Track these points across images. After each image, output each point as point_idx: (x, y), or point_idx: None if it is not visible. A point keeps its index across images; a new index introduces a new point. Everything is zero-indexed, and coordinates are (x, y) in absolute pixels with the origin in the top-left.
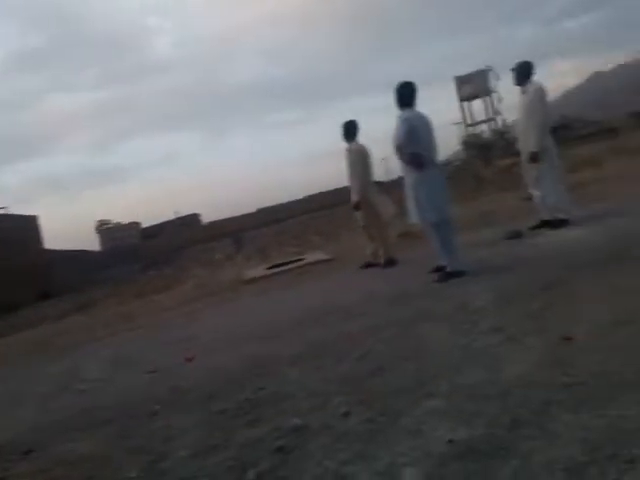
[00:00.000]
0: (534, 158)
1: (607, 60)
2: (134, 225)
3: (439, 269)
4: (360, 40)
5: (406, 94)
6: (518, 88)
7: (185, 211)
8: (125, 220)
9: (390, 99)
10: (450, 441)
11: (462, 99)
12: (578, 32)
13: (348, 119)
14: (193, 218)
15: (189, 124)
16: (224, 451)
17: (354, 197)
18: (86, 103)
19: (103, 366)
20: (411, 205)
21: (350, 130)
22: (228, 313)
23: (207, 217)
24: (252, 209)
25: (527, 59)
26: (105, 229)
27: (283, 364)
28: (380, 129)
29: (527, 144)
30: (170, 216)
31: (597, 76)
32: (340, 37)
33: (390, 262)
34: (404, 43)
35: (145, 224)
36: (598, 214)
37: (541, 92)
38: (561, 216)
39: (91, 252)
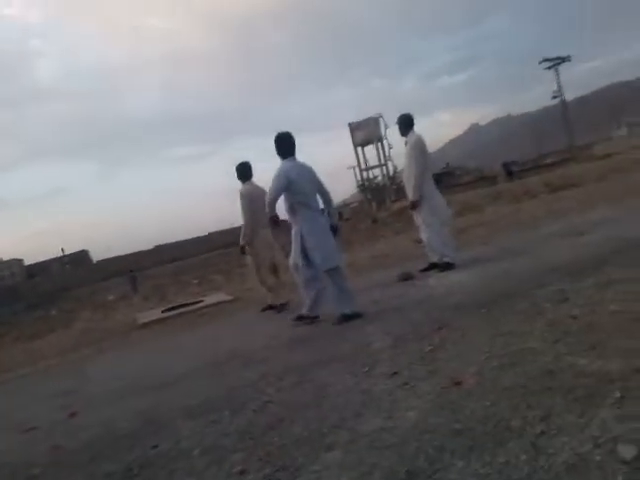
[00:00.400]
0: (413, 206)
1: (482, 114)
2: (16, 262)
3: (300, 318)
4: (261, 81)
5: (284, 144)
6: (403, 139)
7: (73, 248)
8: (5, 257)
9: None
10: None
11: (356, 144)
12: (455, 87)
13: (241, 161)
14: (82, 255)
15: (81, 157)
16: None
17: (241, 241)
18: None
19: None
20: (296, 256)
21: (242, 172)
22: (118, 361)
23: (98, 254)
24: (149, 246)
25: (408, 112)
26: None
27: (177, 418)
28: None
29: (409, 191)
30: (57, 253)
31: (474, 128)
32: (242, 77)
33: (282, 306)
34: (306, 87)
35: (29, 261)
36: (481, 258)
37: (419, 143)
38: (447, 260)
39: None
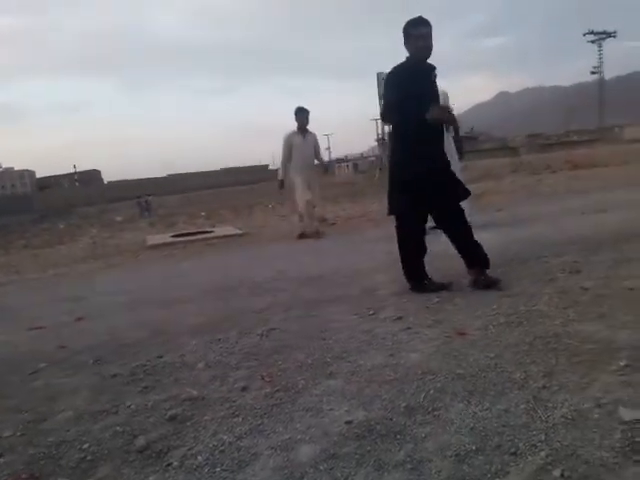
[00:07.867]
0: None
1: (512, 82)
2: (27, 173)
3: None
4: (293, 20)
5: None
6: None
7: (85, 166)
8: (17, 167)
9: (308, 83)
10: (348, 422)
11: (381, 96)
12: (487, 51)
13: None
14: (93, 174)
15: (101, 72)
16: (113, 416)
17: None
18: None
19: None
20: None
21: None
22: (127, 276)
23: (109, 175)
24: (161, 174)
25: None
26: None
27: (183, 333)
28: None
29: None
30: (69, 169)
31: (503, 95)
32: (272, 16)
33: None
34: (338, 33)
35: (40, 174)
36: (498, 223)
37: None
38: None
39: None
